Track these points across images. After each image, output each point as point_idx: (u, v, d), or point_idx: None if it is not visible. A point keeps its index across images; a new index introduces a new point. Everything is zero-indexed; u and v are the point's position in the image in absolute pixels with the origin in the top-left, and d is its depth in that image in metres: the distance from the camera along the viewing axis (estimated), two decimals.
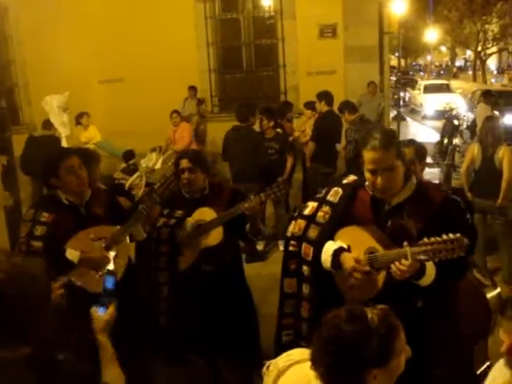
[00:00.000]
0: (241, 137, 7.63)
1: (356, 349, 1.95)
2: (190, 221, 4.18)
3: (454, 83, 31.83)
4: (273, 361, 2.27)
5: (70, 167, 3.69)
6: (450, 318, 3.43)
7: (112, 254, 3.73)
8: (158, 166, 10.58)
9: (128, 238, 3.92)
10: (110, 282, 2.43)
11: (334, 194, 3.30)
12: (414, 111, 27.47)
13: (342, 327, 1.97)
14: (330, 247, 3.15)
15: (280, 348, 3.24)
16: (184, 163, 4.23)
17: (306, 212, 3.38)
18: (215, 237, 4.12)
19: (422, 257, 2.75)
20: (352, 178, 3.37)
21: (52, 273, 3.43)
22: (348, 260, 3.03)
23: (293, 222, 3.45)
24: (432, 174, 10.13)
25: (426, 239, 2.76)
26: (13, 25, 13.50)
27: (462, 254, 2.71)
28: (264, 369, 2.28)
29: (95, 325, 2.18)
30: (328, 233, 3.22)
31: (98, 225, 3.78)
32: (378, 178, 2.97)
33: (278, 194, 3.99)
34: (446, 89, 27.60)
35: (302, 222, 3.38)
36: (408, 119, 22.87)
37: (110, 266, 3.71)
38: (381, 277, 2.99)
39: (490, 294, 3.63)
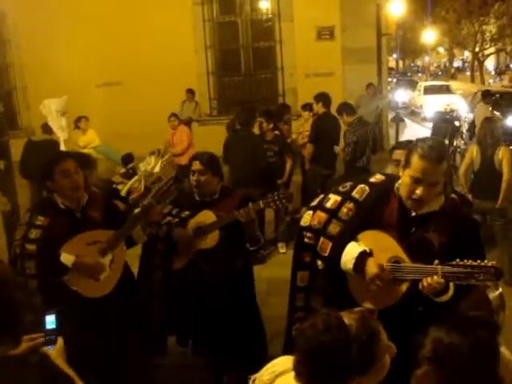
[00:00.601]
0: (240, 140, 7.63)
1: (337, 358, 1.91)
2: (192, 223, 4.18)
3: (453, 84, 31.66)
4: (257, 375, 2.23)
5: (66, 171, 3.65)
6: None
7: (107, 258, 3.72)
8: (157, 169, 10.55)
9: (125, 242, 3.90)
10: (50, 323, 2.42)
11: (360, 192, 3.16)
12: (414, 113, 27.06)
13: (320, 338, 1.93)
14: (353, 249, 3.02)
15: (291, 343, 3.19)
16: (196, 165, 4.21)
17: (329, 205, 3.22)
18: (210, 240, 4.13)
19: (452, 277, 2.71)
20: (380, 177, 3.23)
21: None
22: (372, 266, 2.92)
23: (310, 212, 3.31)
24: None
25: (458, 260, 2.69)
26: (11, 29, 13.50)
27: (488, 284, 2.71)
28: (250, 383, 2.24)
29: (52, 354, 2.29)
30: (350, 231, 3.09)
31: (93, 229, 3.75)
32: (418, 189, 2.85)
33: (278, 203, 3.97)
34: (447, 90, 27.26)
35: (322, 215, 3.23)
36: (407, 121, 22.71)
37: (106, 272, 3.71)
38: (402, 288, 2.91)
39: (492, 295, 3.61)
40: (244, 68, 14.11)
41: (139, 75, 12.84)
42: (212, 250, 4.13)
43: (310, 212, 3.31)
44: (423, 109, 25.14)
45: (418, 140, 2.97)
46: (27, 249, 3.56)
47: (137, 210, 3.85)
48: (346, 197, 3.19)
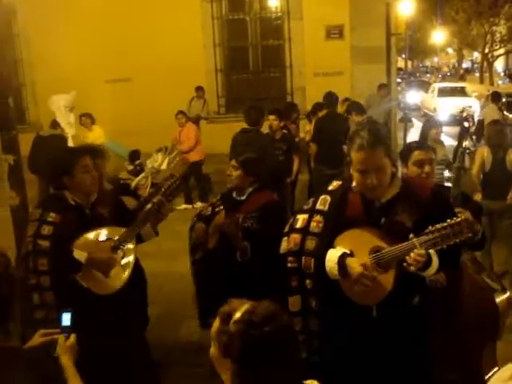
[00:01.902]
0: (251, 140, 7.58)
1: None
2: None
3: (469, 86, 30.53)
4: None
5: (85, 166, 3.70)
6: (453, 317, 3.41)
7: (119, 254, 3.74)
8: (164, 166, 10.58)
9: (135, 239, 3.90)
10: (66, 320, 2.50)
11: (323, 203, 3.25)
12: (426, 116, 24.69)
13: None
14: (333, 254, 3.08)
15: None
16: (232, 162, 4.39)
17: (298, 225, 3.31)
18: None
19: (430, 244, 2.80)
20: (336, 183, 3.33)
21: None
22: (354, 265, 2.99)
23: (285, 238, 3.39)
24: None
25: (430, 227, 2.80)
26: (21, 24, 13.51)
27: (470, 235, 2.78)
28: None
29: (59, 349, 2.41)
30: (326, 241, 3.16)
31: (102, 225, 3.77)
32: (367, 179, 2.96)
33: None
34: (462, 92, 26.11)
35: (296, 237, 3.31)
36: (416, 122, 22.26)
37: (117, 268, 3.72)
38: (390, 277, 2.96)
39: (499, 298, 3.59)
40: (252, 66, 14.10)
41: (148, 72, 12.85)
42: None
43: (285, 238, 3.39)
44: (437, 112, 24.00)
45: (353, 134, 3.06)
46: (40, 245, 3.56)
47: (148, 207, 3.86)
48: (312, 212, 3.29)
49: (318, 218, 3.24)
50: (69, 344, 2.42)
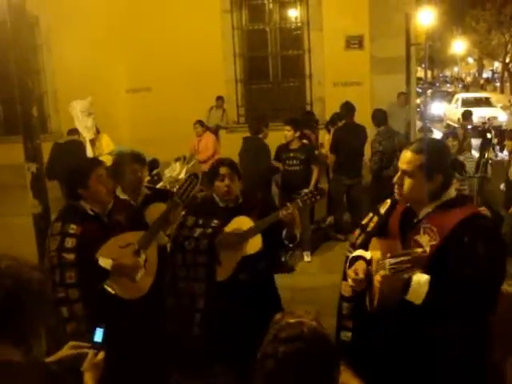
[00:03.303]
0: (248, 147, 7.87)
1: None
2: (228, 230, 4.12)
3: (494, 96, 30.14)
4: None
5: (100, 176, 3.73)
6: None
7: (142, 259, 3.78)
8: (182, 175, 10.61)
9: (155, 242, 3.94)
10: (99, 336, 2.46)
11: (384, 205, 3.25)
12: (449, 127, 24.29)
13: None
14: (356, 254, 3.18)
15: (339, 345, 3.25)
16: (224, 169, 4.18)
17: (363, 222, 3.38)
18: (254, 245, 4.08)
19: (396, 269, 2.67)
20: None
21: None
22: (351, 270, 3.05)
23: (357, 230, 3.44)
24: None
25: (401, 250, 2.76)
26: (44, 34, 13.71)
27: (416, 272, 2.70)
28: None
29: (85, 365, 2.35)
30: (366, 242, 3.21)
31: (120, 232, 3.81)
32: (396, 177, 2.98)
33: (313, 200, 4.04)
34: (487, 103, 25.41)
35: (358, 231, 3.39)
36: (437, 131, 21.82)
37: (141, 271, 3.76)
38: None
39: None
40: (272, 76, 14.14)
41: (168, 81, 12.95)
42: (255, 255, 4.09)
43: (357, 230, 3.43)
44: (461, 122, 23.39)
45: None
46: (65, 258, 3.57)
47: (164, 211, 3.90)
48: (374, 212, 3.32)
49: (375, 218, 3.28)
50: (96, 361, 2.37)
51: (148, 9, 12.88)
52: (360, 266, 3.03)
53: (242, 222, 4.11)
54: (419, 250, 2.72)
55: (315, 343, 1.91)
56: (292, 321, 1.96)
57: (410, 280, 2.73)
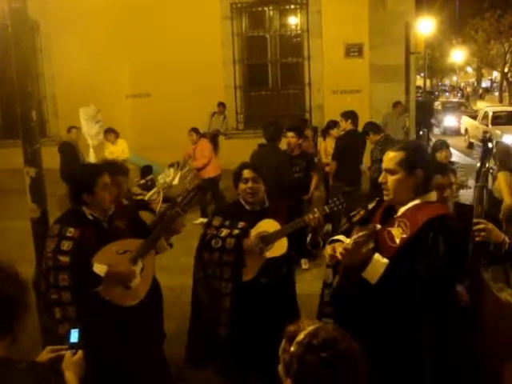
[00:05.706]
0: (266, 155, 7.58)
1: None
2: (254, 232, 4.16)
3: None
4: None
5: (106, 184, 3.75)
6: (473, 334, 3.37)
7: (139, 266, 3.77)
8: (176, 181, 10.64)
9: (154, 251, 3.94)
10: (74, 337, 2.49)
11: (373, 203, 3.40)
12: (472, 146, 21.47)
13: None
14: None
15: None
16: (248, 173, 4.25)
17: (351, 214, 3.52)
18: (280, 248, 4.13)
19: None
20: None
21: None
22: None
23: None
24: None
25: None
26: (44, 39, 13.74)
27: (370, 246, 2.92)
28: None
29: (63, 365, 2.39)
30: (349, 230, 3.32)
31: (119, 238, 3.81)
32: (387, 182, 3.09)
33: (340, 207, 4.11)
34: None
35: (345, 220, 3.57)
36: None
37: (137, 279, 3.76)
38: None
39: None
40: (271, 83, 14.18)
41: (168, 87, 12.99)
42: (279, 258, 4.14)
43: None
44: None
45: None
46: (60, 260, 3.57)
47: (165, 218, 3.92)
48: (364, 208, 3.48)
49: (362, 212, 3.45)
50: (74, 360, 2.40)
51: (148, 15, 12.91)
52: (338, 246, 3.12)
53: (269, 225, 4.16)
54: (377, 226, 3.00)
55: (347, 349, 1.93)
56: (320, 328, 1.98)
57: (370, 259, 2.92)
